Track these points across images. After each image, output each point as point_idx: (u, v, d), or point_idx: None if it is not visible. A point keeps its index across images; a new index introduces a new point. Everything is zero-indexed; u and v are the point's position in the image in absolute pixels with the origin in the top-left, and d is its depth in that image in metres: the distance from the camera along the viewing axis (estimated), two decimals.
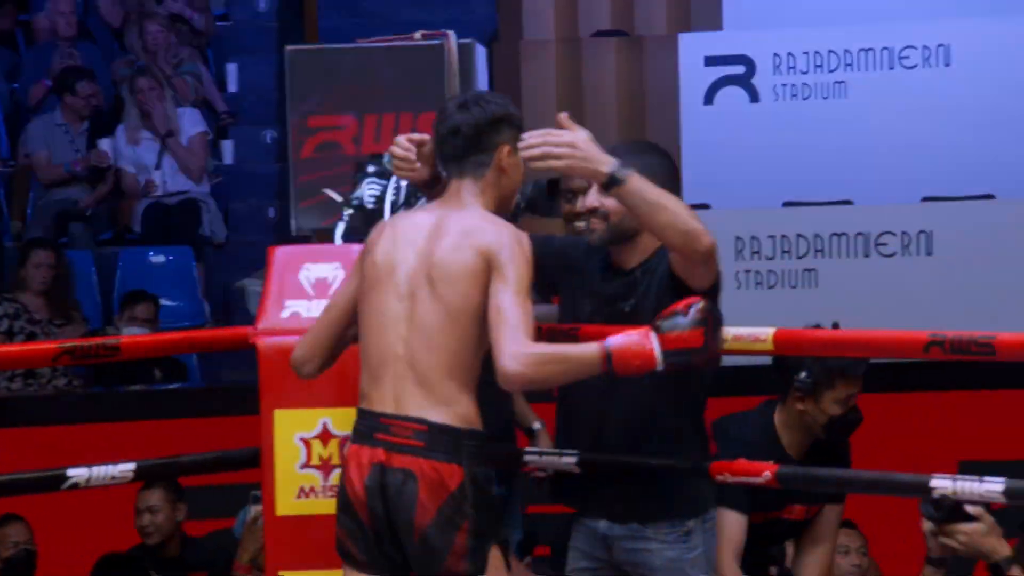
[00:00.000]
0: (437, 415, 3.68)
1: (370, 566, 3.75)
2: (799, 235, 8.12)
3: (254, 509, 4.94)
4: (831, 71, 8.99)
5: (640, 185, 3.73)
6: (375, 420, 3.71)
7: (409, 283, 3.71)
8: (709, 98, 9.06)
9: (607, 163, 3.74)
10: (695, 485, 4.03)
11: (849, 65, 8.95)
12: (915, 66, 8.88)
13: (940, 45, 8.83)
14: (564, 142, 3.77)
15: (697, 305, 3.58)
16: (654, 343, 3.56)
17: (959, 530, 3.87)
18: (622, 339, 3.58)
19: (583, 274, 4.12)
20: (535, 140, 3.77)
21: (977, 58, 8.75)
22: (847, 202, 8.54)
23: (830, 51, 8.96)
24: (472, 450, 3.70)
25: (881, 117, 8.84)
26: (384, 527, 3.70)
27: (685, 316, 3.56)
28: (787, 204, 8.57)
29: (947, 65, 8.83)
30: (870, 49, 8.91)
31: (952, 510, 3.87)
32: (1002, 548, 3.84)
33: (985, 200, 8.34)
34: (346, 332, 3.90)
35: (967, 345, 3.49)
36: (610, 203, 3.95)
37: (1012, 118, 8.56)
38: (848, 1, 9.08)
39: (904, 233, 8.06)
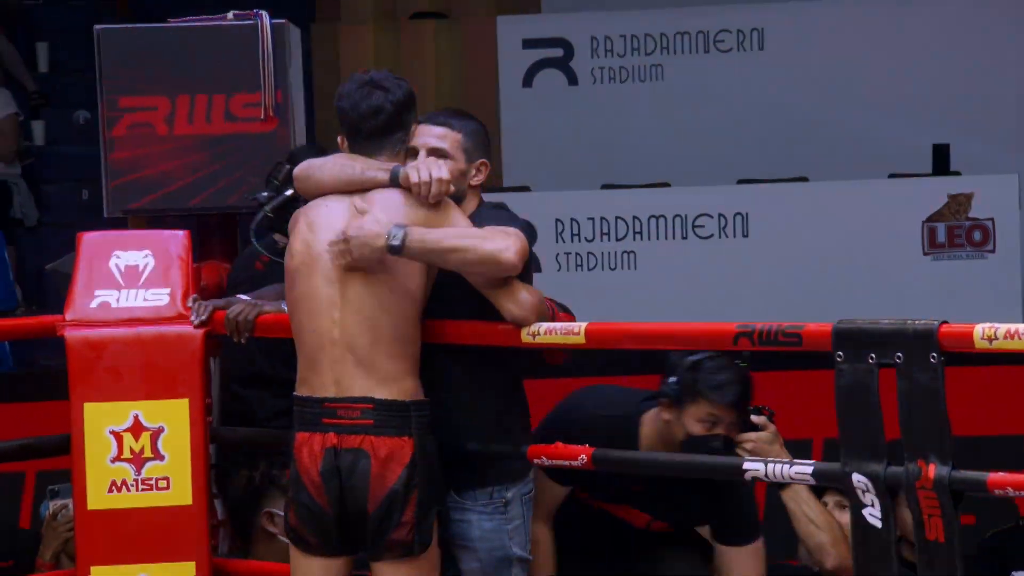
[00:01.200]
0: (383, 392, 3.73)
1: (323, 548, 3.79)
2: (618, 217, 8.16)
3: (52, 504, 4.91)
4: (648, 54, 9.09)
5: (420, 239, 3.74)
6: (318, 406, 3.75)
7: (336, 267, 3.73)
8: (528, 80, 9.13)
9: (380, 237, 3.73)
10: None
11: (665, 48, 9.07)
12: (730, 49, 9.02)
13: (754, 29, 8.96)
14: (337, 250, 3.77)
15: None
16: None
17: (746, 438, 4.17)
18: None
19: None
20: (335, 248, 3.77)
21: (790, 41, 8.90)
22: (665, 184, 8.60)
23: (647, 34, 9.07)
24: (420, 421, 3.77)
25: (697, 100, 8.97)
26: (342, 508, 3.75)
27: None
28: (605, 186, 8.62)
29: (761, 49, 8.96)
30: (686, 32, 9.02)
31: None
32: (783, 455, 4.07)
33: (799, 182, 8.44)
34: None
35: (775, 335, 3.53)
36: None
37: (825, 101, 8.73)
38: None
39: (721, 215, 8.11)
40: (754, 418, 4.20)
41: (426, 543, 3.77)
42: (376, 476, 3.70)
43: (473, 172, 4.07)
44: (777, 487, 4.31)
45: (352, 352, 3.72)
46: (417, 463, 3.75)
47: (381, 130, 3.84)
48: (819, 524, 4.35)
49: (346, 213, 3.77)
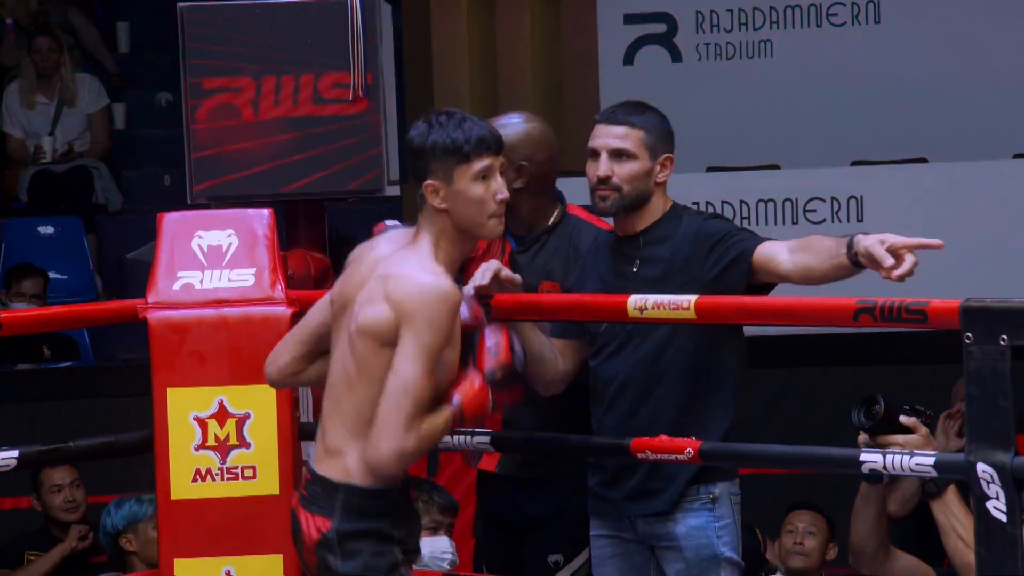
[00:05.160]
0: (321, 467, 3.63)
1: None
2: (724, 201, 8.11)
3: None
4: (756, 29, 9.12)
5: None
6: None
7: (347, 326, 3.61)
8: (629, 58, 9.18)
9: None
10: None
11: (775, 23, 9.11)
12: (844, 24, 9.01)
13: (870, 2, 8.94)
14: None
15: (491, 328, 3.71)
16: (481, 382, 3.66)
17: (892, 441, 3.93)
18: (463, 390, 3.65)
19: (589, 274, 4.19)
20: None
21: (908, 15, 8.84)
22: (774, 166, 8.59)
23: (755, 8, 9.11)
24: (345, 504, 3.62)
25: (809, 77, 8.98)
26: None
27: (492, 342, 3.70)
28: (711, 169, 8.59)
29: (877, 23, 8.93)
30: (796, 6, 9.01)
31: (884, 420, 3.94)
32: None
33: (917, 164, 8.38)
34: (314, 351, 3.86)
35: (898, 312, 3.47)
36: (623, 172, 4.02)
37: (944, 78, 8.65)
38: None
39: (834, 199, 8.07)
40: (903, 419, 3.94)
41: None
42: (304, 548, 3.68)
43: (658, 169, 4.04)
44: (928, 496, 4.14)
45: (323, 418, 3.66)
46: (333, 545, 3.62)
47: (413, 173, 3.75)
48: (969, 543, 4.11)
49: (376, 266, 3.66)
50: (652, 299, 3.76)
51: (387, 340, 3.54)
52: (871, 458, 3.59)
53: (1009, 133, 8.49)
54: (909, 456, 3.55)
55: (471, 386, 3.64)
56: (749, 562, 5.19)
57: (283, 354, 3.80)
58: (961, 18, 8.76)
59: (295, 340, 3.81)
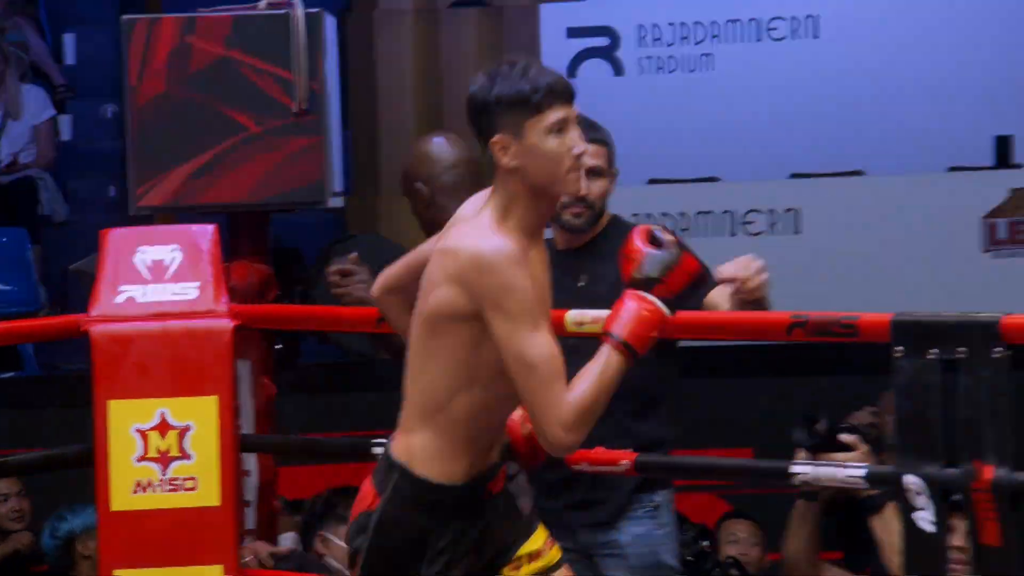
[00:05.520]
0: (392, 443, 3.38)
1: None
2: (664, 213, 8.13)
3: None
4: (697, 43, 9.04)
5: None
6: None
7: (421, 306, 3.40)
8: (572, 71, 9.07)
9: None
10: None
11: (716, 37, 9.01)
12: (783, 38, 8.96)
13: (809, 16, 8.92)
14: None
15: (658, 232, 3.31)
16: (654, 300, 3.27)
17: (833, 459, 3.93)
18: (624, 319, 3.26)
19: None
20: None
21: (846, 29, 8.83)
22: (713, 179, 8.57)
23: (696, 22, 9.01)
24: (399, 488, 3.35)
25: (748, 91, 8.92)
26: None
27: (667, 250, 3.28)
28: (652, 181, 8.56)
29: (815, 37, 8.91)
30: (737, 20, 8.97)
31: (825, 438, 3.97)
32: None
33: (854, 176, 8.41)
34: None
35: (830, 326, 3.50)
36: (596, 189, 4.12)
37: (882, 92, 8.65)
38: None
39: (771, 211, 8.12)
40: (844, 437, 3.99)
41: None
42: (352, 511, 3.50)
43: (611, 184, 4.18)
44: (866, 512, 4.17)
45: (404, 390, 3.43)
46: (371, 522, 3.37)
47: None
48: None
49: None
50: (591, 314, 3.70)
51: (459, 316, 3.27)
52: (803, 470, 3.59)
53: (944, 147, 8.49)
54: (841, 468, 3.57)
55: (634, 308, 3.28)
56: (706, 562, 5.46)
57: (392, 267, 3.59)
58: (898, 33, 8.77)
59: (403, 260, 3.57)
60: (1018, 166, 8.24)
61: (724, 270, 3.81)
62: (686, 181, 8.48)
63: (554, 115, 3.24)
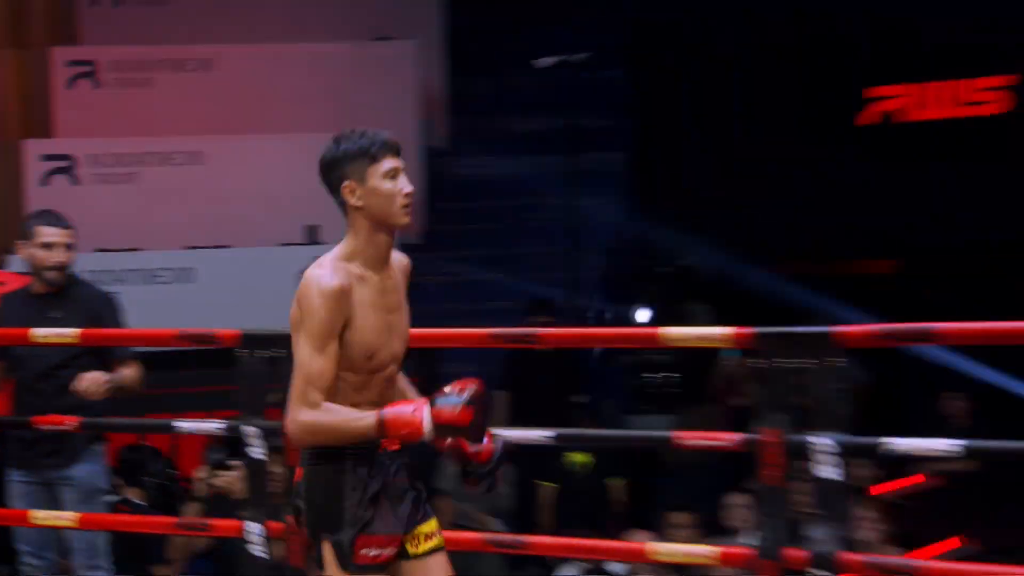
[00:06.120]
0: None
1: None
2: (107, 271, 9.47)
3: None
4: (125, 166, 10.73)
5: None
6: None
7: None
8: (45, 181, 10.67)
9: None
10: None
11: (141, 159, 10.88)
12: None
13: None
14: None
15: (471, 388, 3.61)
16: (425, 416, 3.58)
17: (219, 475, 4.79)
18: (397, 410, 3.59)
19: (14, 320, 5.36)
20: None
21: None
22: (136, 248, 10.28)
23: (123, 153, 10.81)
24: (309, 455, 3.73)
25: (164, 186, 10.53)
26: None
27: (459, 397, 3.60)
28: (97, 250, 9.90)
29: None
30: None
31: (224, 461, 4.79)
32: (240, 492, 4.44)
33: (224, 249, 10.24)
34: None
35: (206, 338, 4.65)
36: (67, 256, 5.28)
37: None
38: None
39: (174, 269, 9.77)
40: (230, 463, 4.58)
41: (315, 566, 3.74)
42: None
43: (74, 254, 5.19)
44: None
45: None
46: (300, 487, 3.72)
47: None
48: None
49: None
50: (53, 331, 4.87)
51: (297, 325, 3.67)
52: (185, 425, 4.72)
53: (299, 220, 10.17)
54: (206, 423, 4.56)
55: (408, 410, 3.58)
56: (174, 491, 6.40)
57: None
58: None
59: None
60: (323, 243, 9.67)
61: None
62: (119, 251, 10.27)
63: (388, 163, 3.65)
